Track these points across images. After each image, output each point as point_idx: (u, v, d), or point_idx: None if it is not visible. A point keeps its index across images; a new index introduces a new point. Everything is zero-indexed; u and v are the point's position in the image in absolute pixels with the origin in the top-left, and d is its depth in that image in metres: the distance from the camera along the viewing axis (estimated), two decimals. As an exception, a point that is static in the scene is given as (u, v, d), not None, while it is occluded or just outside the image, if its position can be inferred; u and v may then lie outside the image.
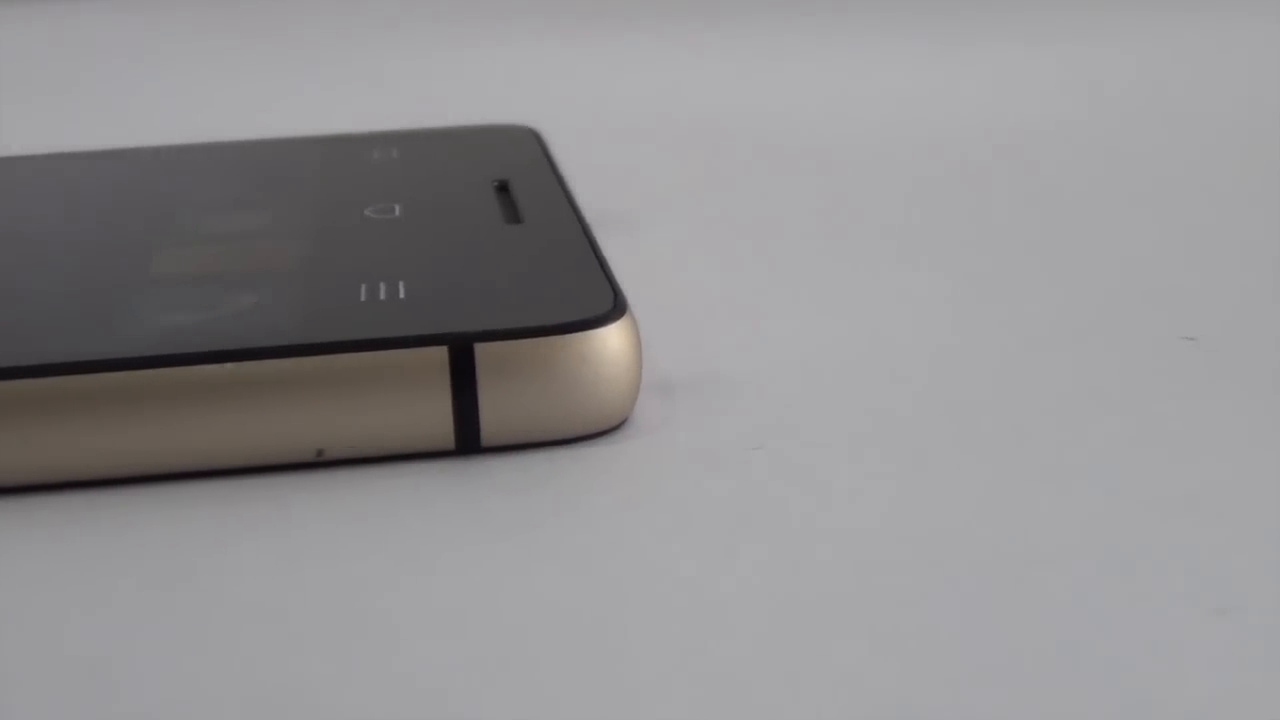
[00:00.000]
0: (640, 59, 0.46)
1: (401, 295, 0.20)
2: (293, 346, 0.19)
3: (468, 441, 0.19)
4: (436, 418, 0.19)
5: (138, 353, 0.19)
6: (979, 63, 0.43)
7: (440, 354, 0.19)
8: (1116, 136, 0.34)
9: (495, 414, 0.19)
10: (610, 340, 0.19)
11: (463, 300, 0.20)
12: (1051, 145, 0.33)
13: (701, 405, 0.20)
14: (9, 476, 0.18)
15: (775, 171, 0.32)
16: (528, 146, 0.28)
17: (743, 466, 0.19)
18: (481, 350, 0.19)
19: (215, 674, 0.15)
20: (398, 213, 0.24)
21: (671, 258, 0.26)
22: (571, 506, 0.18)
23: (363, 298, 0.20)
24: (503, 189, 0.25)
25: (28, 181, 0.27)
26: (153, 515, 0.18)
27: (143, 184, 0.27)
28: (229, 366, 0.19)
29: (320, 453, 0.19)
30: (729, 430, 0.20)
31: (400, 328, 0.19)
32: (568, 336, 0.19)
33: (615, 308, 0.20)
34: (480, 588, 0.16)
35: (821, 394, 0.21)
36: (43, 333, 0.20)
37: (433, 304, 0.20)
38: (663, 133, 0.36)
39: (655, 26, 0.51)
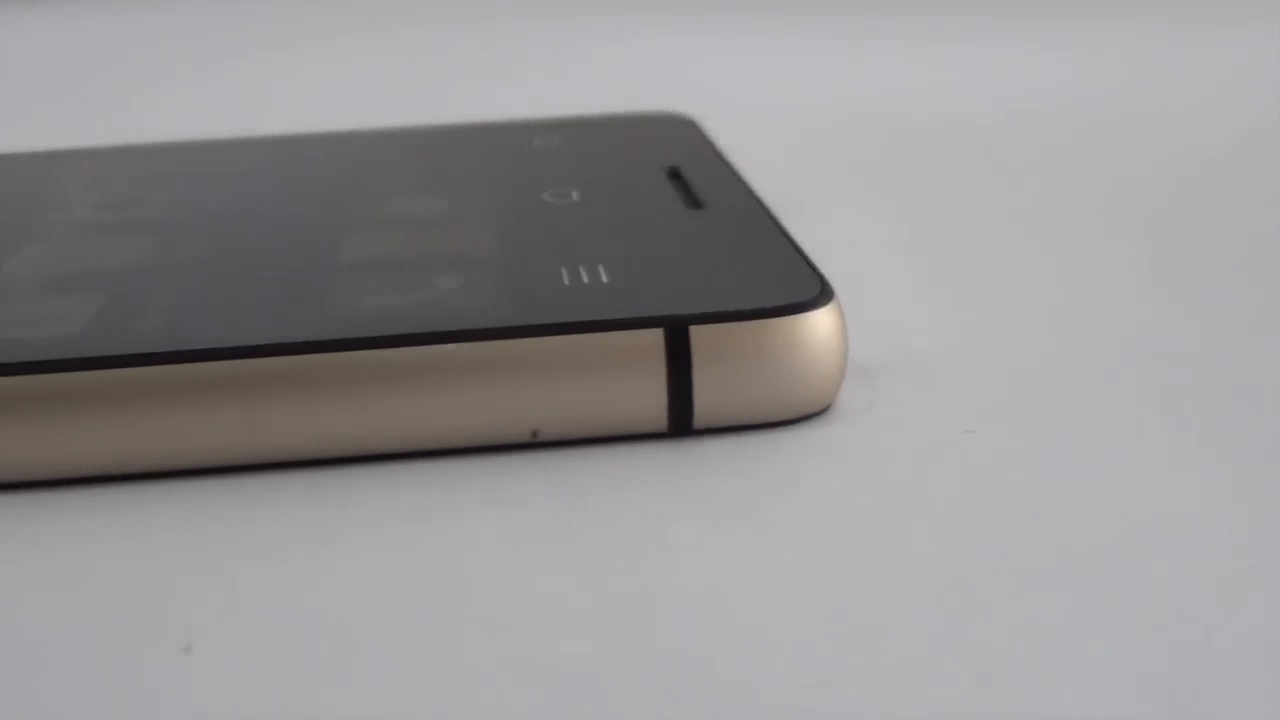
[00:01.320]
0: (781, 46, 0.46)
1: (604, 279, 0.20)
2: (512, 328, 0.19)
3: (680, 423, 0.19)
4: (651, 399, 0.19)
5: (356, 334, 0.19)
6: (1147, 47, 0.43)
7: (656, 336, 0.19)
8: None
9: (708, 396, 0.19)
10: (821, 324, 0.19)
11: (668, 284, 0.20)
12: (1216, 130, 0.33)
13: (902, 389, 0.20)
14: (235, 455, 0.19)
15: (928, 156, 0.32)
16: (689, 133, 0.29)
17: (959, 449, 0.19)
18: (697, 333, 0.19)
19: (478, 651, 0.15)
20: (576, 198, 0.24)
21: (842, 243, 0.26)
22: (796, 488, 0.18)
23: (566, 281, 0.20)
24: (674, 175, 0.26)
25: (199, 168, 0.28)
26: (381, 494, 0.18)
27: (316, 170, 0.27)
28: (450, 347, 0.19)
29: (535, 433, 0.19)
30: (936, 413, 0.20)
31: (612, 311, 0.19)
32: (782, 320, 0.19)
33: (824, 292, 0.20)
34: (724, 567, 0.16)
35: (1021, 377, 0.21)
36: (253, 315, 0.20)
37: (638, 288, 0.20)
38: (810, 120, 0.36)
39: (787, 9, 0.51)
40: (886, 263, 0.25)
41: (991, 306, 0.23)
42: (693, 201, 0.24)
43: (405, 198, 0.25)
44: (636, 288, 0.20)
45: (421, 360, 0.19)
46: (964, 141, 0.33)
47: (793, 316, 0.19)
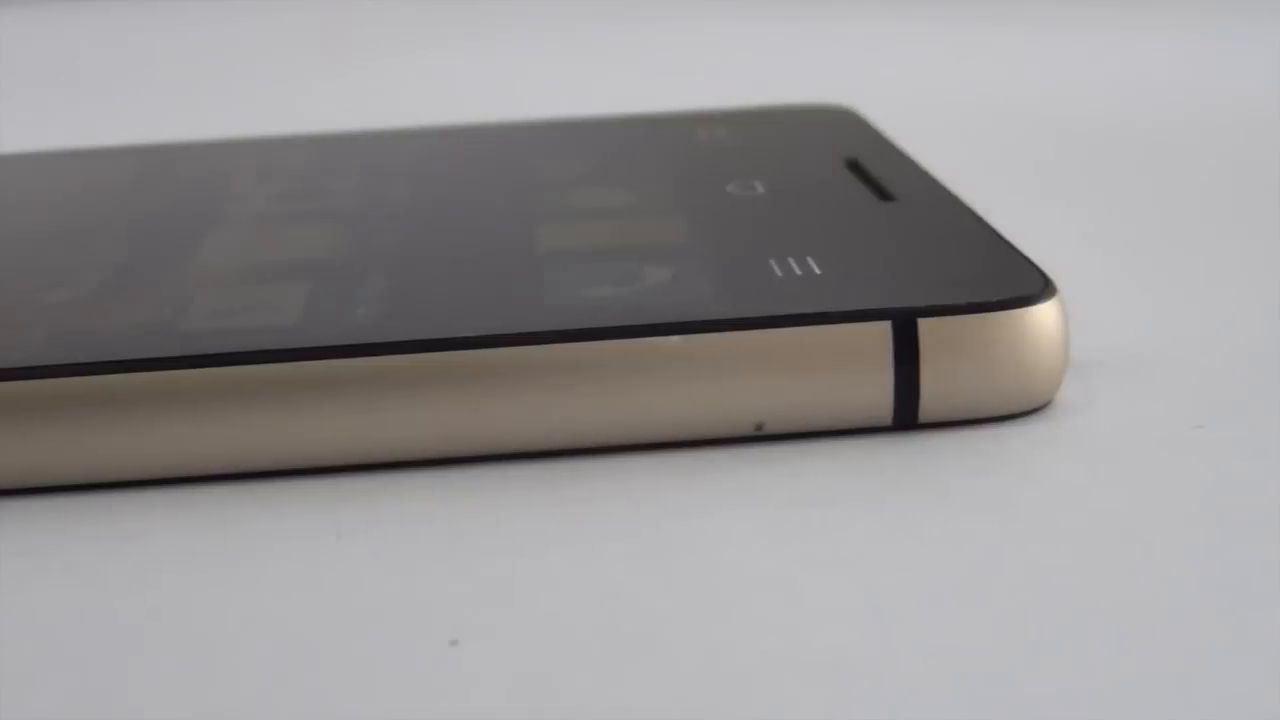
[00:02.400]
0: (925, 35, 0.46)
1: (817, 271, 0.20)
2: (737, 320, 0.19)
3: (904, 417, 0.19)
4: (877, 392, 0.19)
5: (578, 325, 0.19)
6: None
7: (883, 329, 0.19)
8: None
9: (934, 390, 0.19)
10: (1046, 317, 0.19)
11: (884, 277, 0.20)
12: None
13: (1120, 384, 0.20)
14: (461, 447, 0.19)
15: (1094, 149, 0.32)
16: (858, 125, 0.28)
17: (1194, 444, 0.18)
18: (925, 325, 0.19)
19: (751, 645, 0.15)
20: (761, 190, 0.24)
21: (1026, 236, 0.25)
22: (1040, 483, 0.18)
23: (779, 273, 0.20)
24: (854, 167, 0.25)
25: (370, 158, 0.28)
26: (615, 486, 0.18)
27: (489, 161, 0.27)
28: (676, 339, 0.18)
29: (759, 426, 0.19)
30: (1159, 408, 0.19)
31: (836, 303, 0.19)
32: (1009, 313, 0.19)
33: (1048, 285, 0.19)
34: (983, 561, 0.16)
35: (1240, 372, 0.20)
36: (468, 305, 0.20)
37: (854, 280, 0.20)
38: (963, 112, 0.36)
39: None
40: (1079, 257, 0.25)
41: (1195, 302, 0.23)
42: (882, 194, 0.24)
43: (587, 189, 0.25)
44: (853, 280, 0.20)
45: (647, 352, 0.18)
46: (1128, 134, 0.33)
47: (1020, 310, 0.19)
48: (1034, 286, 0.19)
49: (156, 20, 0.61)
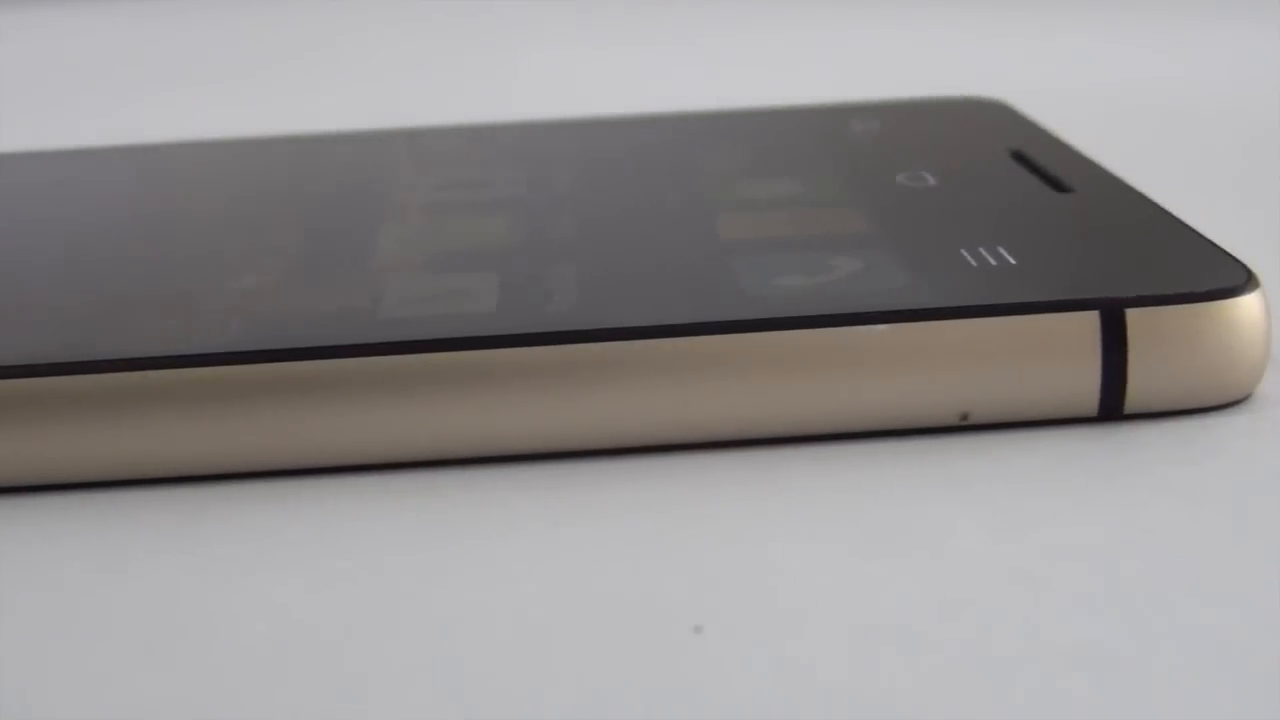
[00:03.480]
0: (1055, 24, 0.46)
1: (1012, 261, 0.20)
2: (943, 309, 0.19)
3: (1110, 407, 0.19)
4: (1083, 383, 0.19)
5: (782, 314, 0.19)
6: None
7: (1091, 319, 0.18)
8: None
9: (1141, 380, 0.19)
10: (1251, 309, 0.19)
11: (1082, 267, 0.20)
12: None
13: (1319, 377, 0.20)
14: (667, 435, 0.19)
15: (1237, 143, 0.32)
16: (1012, 117, 0.28)
17: None
18: (1133, 315, 0.18)
19: (1002, 635, 0.15)
20: (932, 182, 0.24)
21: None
22: (1251, 473, 0.17)
23: (973, 264, 0.20)
24: (1020, 158, 0.25)
25: (528, 149, 0.28)
26: (824, 474, 0.18)
27: (650, 152, 0.27)
28: (883, 328, 0.18)
29: (964, 416, 0.19)
30: (1364, 401, 0.19)
31: (1041, 293, 0.19)
32: (1215, 304, 0.19)
33: (1250, 277, 0.19)
34: (1221, 552, 0.16)
35: None
36: (665, 294, 0.20)
37: (1053, 271, 0.20)
38: (1101, 105, 0.36)
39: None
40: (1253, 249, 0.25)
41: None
42: (1056, 185, 0.23)
43: (755, 179, 0.25)
44: (1051, 271, 0.20)
45: (855, 341, 0.18)
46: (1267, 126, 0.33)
47: (1227, 301, 0.19)
48: (1238, 278, 0.19)
49: (280, 12, 0.62)
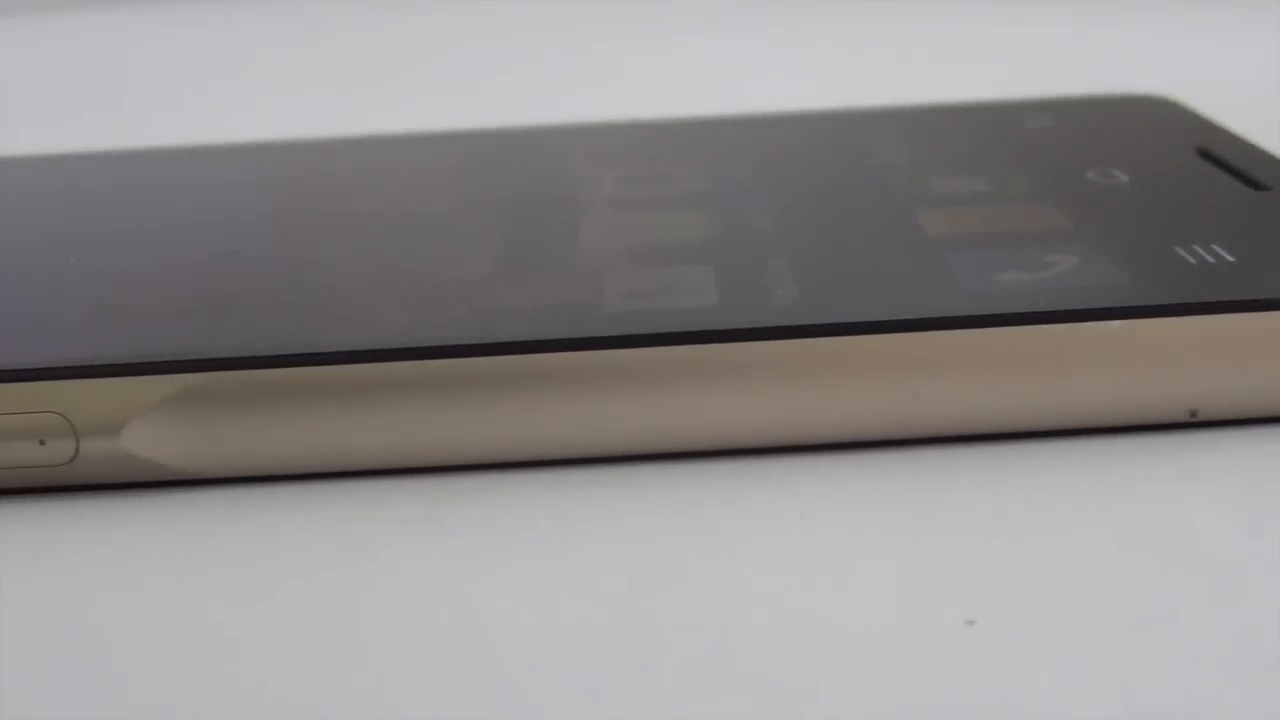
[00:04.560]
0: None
1: (1230, 258, 0.20)
2: (1175, 306, 0.19)
3: None
4: None
5: (1013, 309, 0.19)
6: None
7: None
8: None
9: None
10: None
11: None
12: None
13: None
14: (908, 428, 0.19)
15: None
16: (1186, 114, 0.28)
17: None
18: None
19: (1269, 628, 0.15)
20: (1124, 178, 0.24)
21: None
22: None
23: (1191, 260, 0.20)
24: (1206, 155, 0.25)
25: (691, 146, 0.28)
26: (1060, 468, 0.18)
27: (826, 147, 0.27)
28: (1116, 325, 0.18)
29: (1194, 413, 0.19)
30: None
31: (1267, 289, 0.19)
32: None
33: None
34: None
35: None
36: (886, 287, 0.20)
37: (1273, 266, 0.20)
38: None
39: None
40: None
41: None
42: (1252, 183, 0.23)
43: (946, 175, 0.25)
44: (1272, 267, 0.20)
45: (1086, 338, 0.19)
46: None
47: None
48: None
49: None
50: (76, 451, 0.19)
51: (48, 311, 0.21)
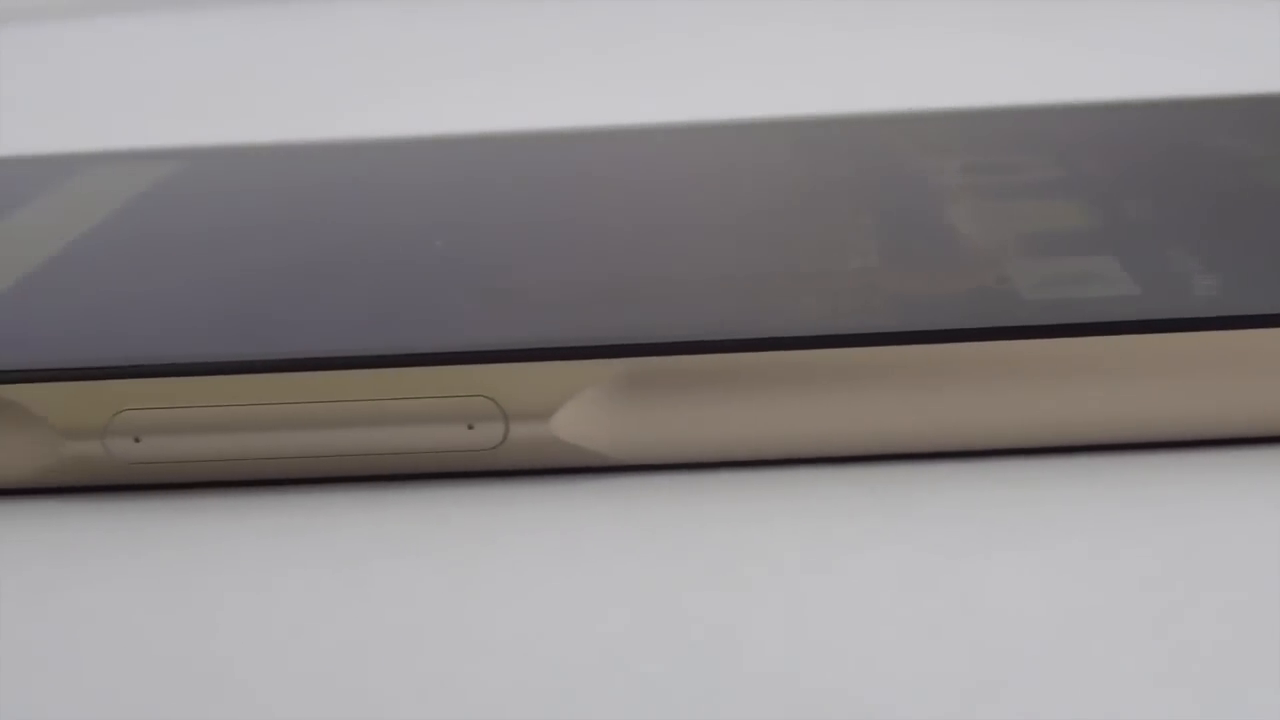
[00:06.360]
0: None
1: None
2: None
3: None
4: None
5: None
6: None
7: None
8: None
9: None
10: None
11: None
12: None
13: None
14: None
15: None
16: None
17: None
18: None
19: None
20: None
21: None
22: None
23: None
24: None
25: (1023, 134, 0.28)
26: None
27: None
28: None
29: None
30: None
31: None
32: None
33: None
34: None
35: None
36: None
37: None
38: None
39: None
40: None
41: None
42: None
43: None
44: None
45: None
46: None
47: None
48: None
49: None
50: (505, 436, 0.19)
51: (465, 296, 0.20)
